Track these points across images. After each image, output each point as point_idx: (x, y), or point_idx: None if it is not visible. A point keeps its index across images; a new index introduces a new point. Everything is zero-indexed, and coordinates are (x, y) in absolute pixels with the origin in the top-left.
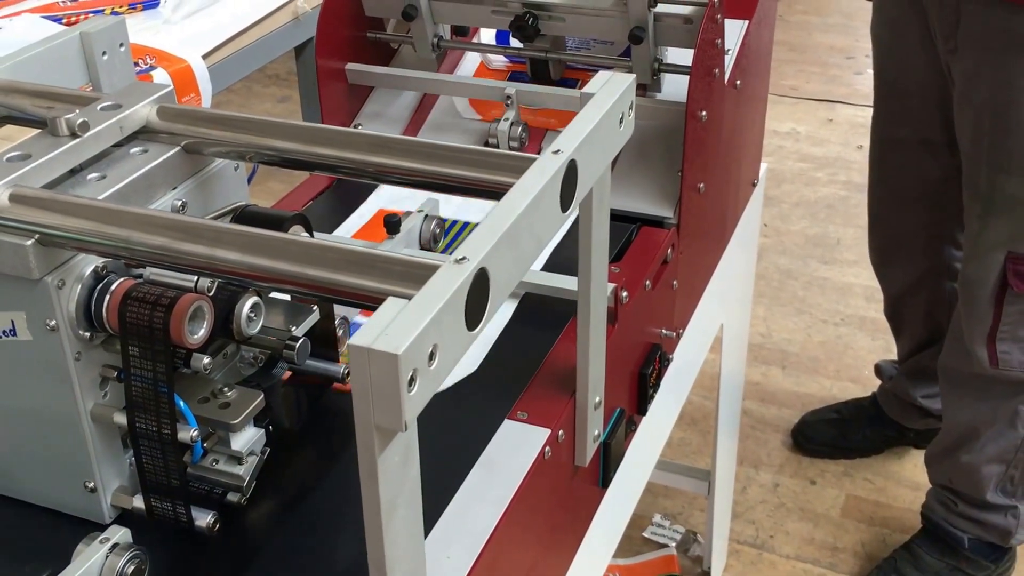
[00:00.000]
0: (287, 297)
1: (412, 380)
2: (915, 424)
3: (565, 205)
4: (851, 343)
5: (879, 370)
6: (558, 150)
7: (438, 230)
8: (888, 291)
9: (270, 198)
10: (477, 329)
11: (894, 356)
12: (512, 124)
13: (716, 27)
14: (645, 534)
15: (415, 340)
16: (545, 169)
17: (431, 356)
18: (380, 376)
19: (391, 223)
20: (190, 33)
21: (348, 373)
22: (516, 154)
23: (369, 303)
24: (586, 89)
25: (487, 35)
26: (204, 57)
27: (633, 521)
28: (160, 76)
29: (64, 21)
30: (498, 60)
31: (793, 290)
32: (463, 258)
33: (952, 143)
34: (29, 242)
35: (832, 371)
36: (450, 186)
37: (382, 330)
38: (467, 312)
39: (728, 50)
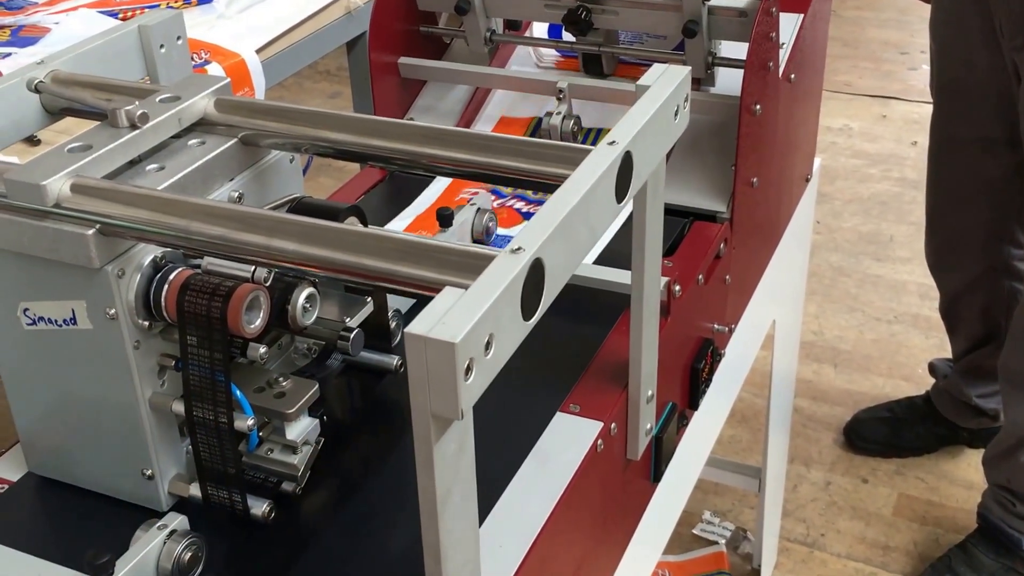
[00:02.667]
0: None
1: (469, 369)
2: (969, 423)
3: (620, 196)
4: (904, 341)
5: (933, 369)
6: (613, 141)
7: (490, 223)
8: (944, 290)
9: (321, 193)
10: (533, 319)
11: (948, 354)
12: (564, 118)
13: (771, 20)
14: (695, 531)
15: (472, 329)
16: (600, 160)
17: (487, 345)
18: (437, 365)
19: (444, 216)
20: (244, 28)
21: (402, 364)
22: (571, 145)
23: (426, 293)
24: (641, 81)
25: (539, 29)
26: (257, 52)
27: (683, 518)
28: (214, 70)
29: (120, 16)
30: (551, 54)
31: (845, 287)
32: (519, 248)
33: (1013, 141)
34: (90, 232)
35: (885, 369)
36: (504, 178)
37: (439, 319)
38: (523, 302)
39: (783, 44)
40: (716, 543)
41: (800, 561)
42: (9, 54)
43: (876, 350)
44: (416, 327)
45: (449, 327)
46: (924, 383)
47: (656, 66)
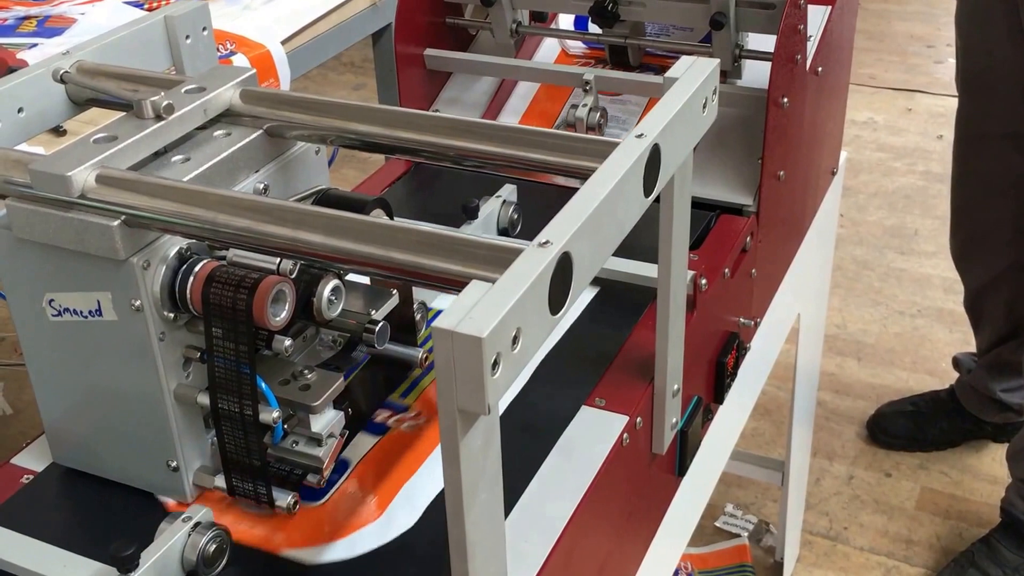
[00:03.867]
0: (367, 281)
1: (496, 363)
2: (993, 418)
3: (648, 190)
4: (928, 335)
5: (957, 363)
6: (641, 134)
7: (516, 215)
8: (969, 284)
9: (345, 185)
10: (560, 313)
11: (972, 349)
12: (590, 110)
13: (799, 12)
14: (717, 523)
15: (499, 324)
16: (629, 153)
17: (514, 340)
18: (464, 359)
19: (469, 208)
20: (269, 19)
21: (426, 357)
22: (598, 138)
23: (452, 286)
24: (669, 73)
25: (566, 21)
26: (282, 43)
27: (705, 511)
28: (240, 61)
29: (145, 7)
30: (577, 46)
31: (869, 281)
32: (547, 242)
33: None
34: (115, 223)
35: (908, 363)
36: (532, 170)
37: (466, 313)
38: (550, 296)
39: (810, 36)
40: (739, 536)
41: (823, 554)
42: (35, 44)
43: (900, 344)
44: (443, 321)
45: (476, 321)
46: (948, 377)
47: (684, 58)
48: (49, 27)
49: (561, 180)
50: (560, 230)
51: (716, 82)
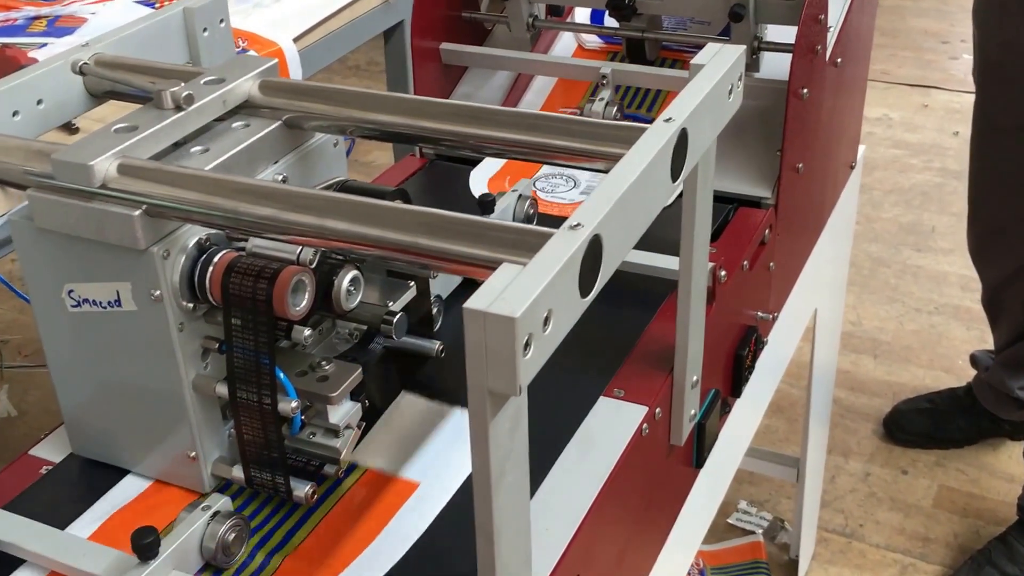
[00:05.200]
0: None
1: (527, 344)
2: (1011, 416)
3: (675, 175)
4: (945, 332)
5: (974, 360)
6: (670, 118)
7: (531, 210)
8: (986, 280)
9: None
10: (589, 297)
11: (990, 346)
12: (607, 104)
13: (820, 2)
14: (730, 520)
15: (532, 304)
16: (658, 137)
17: (546, 321)
18: (496, 340)
19: (486, 202)
20: (281, 16)
21: (442, 349)
22: (625, 124)
23: (481, 271)
24: (696, 60)
25: (582, 15)
26: (294, 41)
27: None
28: None
29: (157, 6)
30: (593, 40)
31: (885, 278)
32: (577, 224)
33: None
34: (136, 212)
35: (925, 360)
36: (557, 156)
37: (498, 294)
38: (580, 279)
39: (830, 27)
40: (753, 532)
41: (838, 551)
42: (45, 44)
43: (916, 341)
44: (475, 302)
45: (509, 302)
46: (965, 375)
47: (711, 45)
48: (60, 27)
49: (587, 164)
50: (591, 213)
51: (742, 68)
